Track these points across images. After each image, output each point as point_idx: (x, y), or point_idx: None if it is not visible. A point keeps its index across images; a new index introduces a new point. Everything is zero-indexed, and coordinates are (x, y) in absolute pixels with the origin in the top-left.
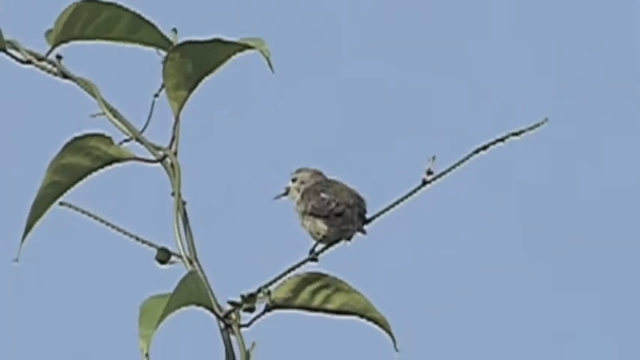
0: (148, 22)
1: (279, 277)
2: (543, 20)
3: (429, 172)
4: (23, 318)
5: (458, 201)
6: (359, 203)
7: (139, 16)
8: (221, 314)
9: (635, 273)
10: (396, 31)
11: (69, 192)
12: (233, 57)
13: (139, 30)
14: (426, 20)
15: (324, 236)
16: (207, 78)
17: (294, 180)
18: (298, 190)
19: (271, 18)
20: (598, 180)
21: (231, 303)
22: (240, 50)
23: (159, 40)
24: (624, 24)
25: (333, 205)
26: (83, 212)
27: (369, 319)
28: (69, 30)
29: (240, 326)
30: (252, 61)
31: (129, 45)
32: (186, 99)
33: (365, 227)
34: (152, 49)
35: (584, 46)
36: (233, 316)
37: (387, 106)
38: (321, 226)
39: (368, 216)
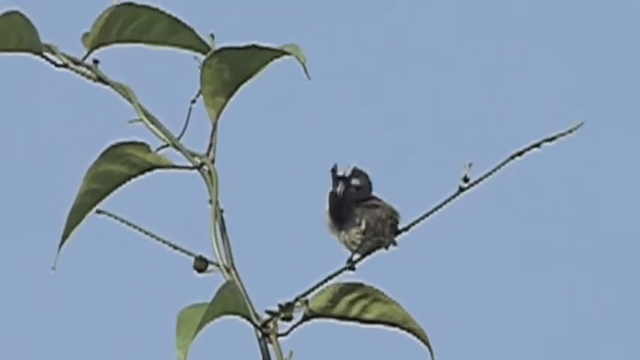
0: (185, 25)
1: (317, 286)
2: (573, 28)
3: (466, 179)
4: (61, 327)
5: (494, 208)
6: (391, 216)
7: (176, 19)
8: (259, 323)
9: None
10: (429, 35)
11: (106, 200)
12: (270, 63)
13: (176, 33)
14: (457, 25)
15: (358, 246)
16: (244, 84)
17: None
18: None
19: (308, 21)
20: (633, 185)
21: (269, 312)
22: (277, 56)
23: (196, 44)
24: None
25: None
26: (121, 220)
27: (407, 330)
28: (106, 33)
29: (277, 335)
30: (289, 67)
31: (166, 48)
32: (224, 105)
33: (396, 239)
34: (189, 54)
35: (613, 51)
36: (271, 325)
37: (422, 111)
38: (355, 236)
39: (405, 224)
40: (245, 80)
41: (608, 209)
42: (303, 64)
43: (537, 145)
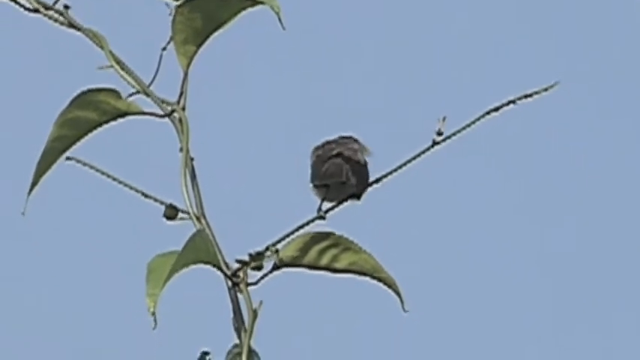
0: None
1: (287, 236)
2: None
3: (439, 133)
4: (29, 272)
5: (467, 163)
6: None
7: None
8: (229, 272)
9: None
10: None
11: (76, 146)
12: (243, 12)
13: None
14: None
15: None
16: (216, 33)
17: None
18: None
19: None
20: (607, 143)
21: (239, 261)
22: (251, 6)
23: None
24: None
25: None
26: (90, 167)
27: (377, 279)
28: None
29: (247, 284)
30: (263, 16)
31: None
32: (195, 54)
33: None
34: (161, 1)
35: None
36: (241, 274)
37: (396, 67)
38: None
39: (378, 176)
40: (216, 29)
41: (582, 167)
42: (277, 14)
43: (514, 102)
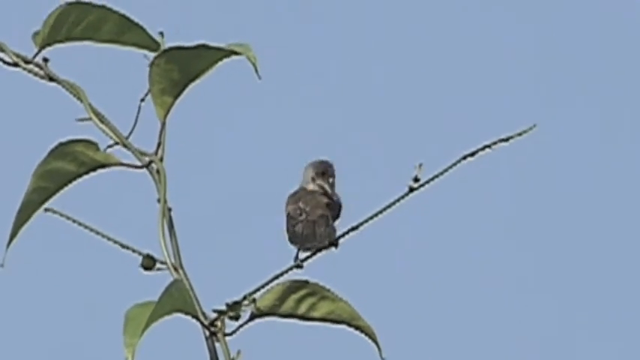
0: (135, 24)
1: (265, 285)
2: (534, 21)
3: (416, 180)
4: (8, 323)
5: (445, 208)
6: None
7: (126, 17)
8: (206, 322)
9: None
10: (382, 33)
11: (54, 198)
12: (219, 63)
13: (127, 32)
14: (414, 22)
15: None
16: (193, 84)
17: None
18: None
19: (263, 19)
20: (589, 185)
21: (216, 311)
22: (227, 56)
23: (147, 43)
24: (612, 27)
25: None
26: (68, 218)
27: (355, 327)
28: (56, 32)
29: (225, 334)
30: (239, 66)
31: (116, 47)
32: (172, 105)
33: (342, 239)
34: (140, 53)
35: (572, 48)
36: (218, 324)
37: (372, 110)
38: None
39: (355, 223)
40: (193, 80)
41: (569, 206)
42: (253, 64)
43: (489, 146)
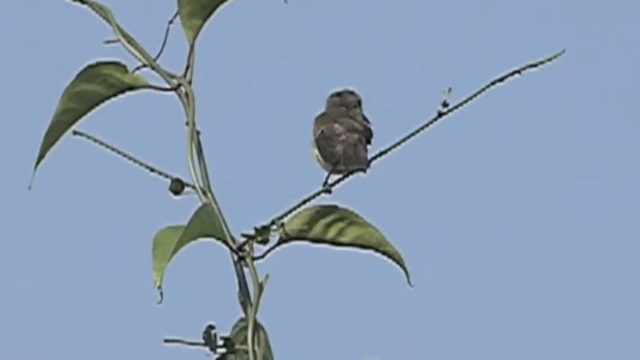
0: None
1: (293, 209)
2: None
3: (445, 104)
4: (38, 248)
5: (474, 134)
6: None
7: None
8: (234, 246)
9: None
10: None
11: (83, 120)
12: None
13: None
14: None
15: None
16: (221, 7)
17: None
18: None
19: None
20: (613, 113)
21: (245, 235)
22: None
23: None
24: None
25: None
26: (96, 141)
27: (383, 252)
28: None
29: (253, 259)
30: None
31: None
32: (200, 27)
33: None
34: None
35: None
36: (246, 248)
37: (401, 37)
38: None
39: (383, 148)
40: (221, 2)
41: (596, 134)
42: None
43: (518, 72)
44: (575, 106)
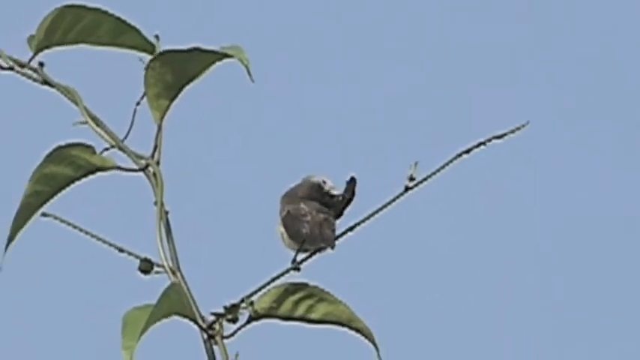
0: (130, 26)
1: (262, 287)
2: (528, 21)
3: (411, 179)
4: (6, 327)
5: (442, 206)
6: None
7: (122, 20)
8: (204, 325)
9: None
10: (377, 33)
11: (51, 201)
12: (213, 66)
13: (122, 35)
14: (407, 23)
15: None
16: (188, 87)
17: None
18: None
19: (255, 22)
20: (583, 183)
21: (214, 314)
22: (220, 59)
23: (142, 45)
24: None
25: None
26: (65, 222)
27: (353, 329)
28: (51, 35)
29: (223, 337)
30: (233, 69)
31: (112, 49)
32: (167, 108)
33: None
34: (135, 56)
35: (565, 45)
36: (216, 326)
37: (367, 110)
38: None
39: (352, 224)
40: (188, 83)
41: (564, 205)
42: (246, 67)
43: (484, 143)
44: (544, 173)
